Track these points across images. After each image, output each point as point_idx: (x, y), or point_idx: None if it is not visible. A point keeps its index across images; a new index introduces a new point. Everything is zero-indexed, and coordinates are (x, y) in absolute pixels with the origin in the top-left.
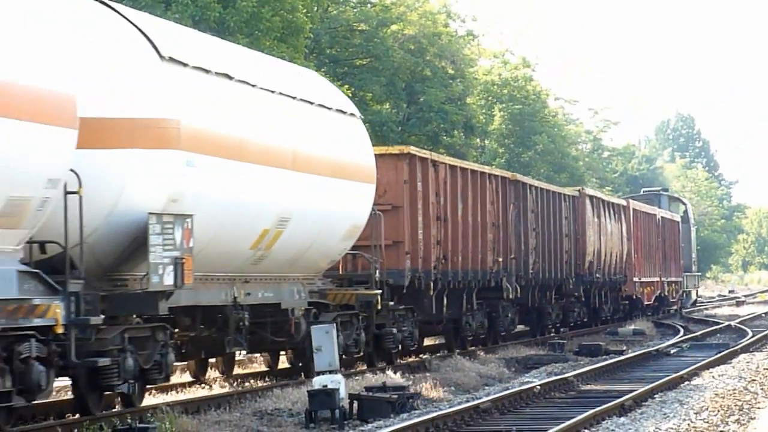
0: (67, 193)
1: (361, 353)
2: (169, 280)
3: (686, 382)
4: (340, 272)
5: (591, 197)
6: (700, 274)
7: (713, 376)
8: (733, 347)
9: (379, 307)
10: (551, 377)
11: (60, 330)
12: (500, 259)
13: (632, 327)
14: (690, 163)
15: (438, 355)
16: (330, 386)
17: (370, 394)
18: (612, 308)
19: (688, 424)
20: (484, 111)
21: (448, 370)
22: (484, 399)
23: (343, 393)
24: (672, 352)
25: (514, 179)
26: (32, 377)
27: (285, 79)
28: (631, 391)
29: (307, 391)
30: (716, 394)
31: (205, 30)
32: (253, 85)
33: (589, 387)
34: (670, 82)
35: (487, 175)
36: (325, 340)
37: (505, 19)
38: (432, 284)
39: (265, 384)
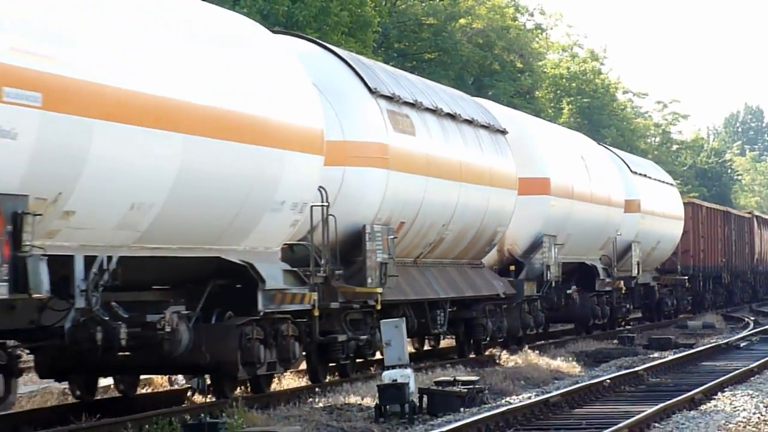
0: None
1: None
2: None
3: (756, 376)
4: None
5: (756, 216)
6: None
7: None
8: None
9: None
10: (621, 371)
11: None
12: (723, 260)
13: (702, 320)
14: (759, 156)
15: (508, 349)
16: (400, 380)
17: (440, 388)
18: (765, 290)
19: (759, 417)
20: (553, 104)
21: (518, 363)
22: (554, 393)
23: (412, 387)
24: (742, 345)
25: (725, 210)
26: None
27: (644, 165)
28: (701, 385)
29: (377, 386)
30: None
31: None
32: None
33: (658, 380)
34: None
35: (717, 210)
36: (395, 335)
37: (574, 11)
38: (700, 274)
39: (334, 379)
